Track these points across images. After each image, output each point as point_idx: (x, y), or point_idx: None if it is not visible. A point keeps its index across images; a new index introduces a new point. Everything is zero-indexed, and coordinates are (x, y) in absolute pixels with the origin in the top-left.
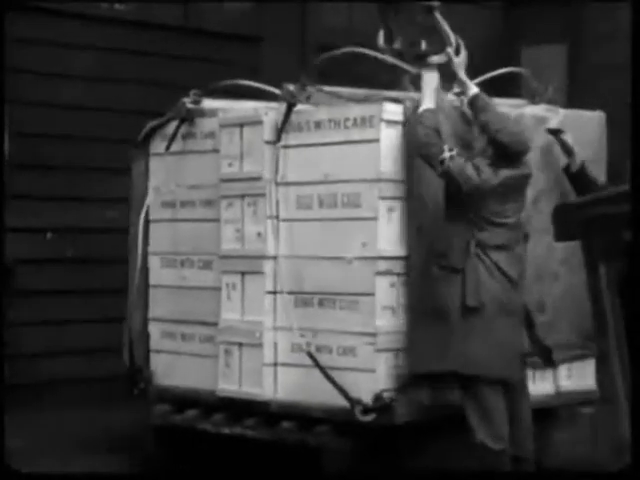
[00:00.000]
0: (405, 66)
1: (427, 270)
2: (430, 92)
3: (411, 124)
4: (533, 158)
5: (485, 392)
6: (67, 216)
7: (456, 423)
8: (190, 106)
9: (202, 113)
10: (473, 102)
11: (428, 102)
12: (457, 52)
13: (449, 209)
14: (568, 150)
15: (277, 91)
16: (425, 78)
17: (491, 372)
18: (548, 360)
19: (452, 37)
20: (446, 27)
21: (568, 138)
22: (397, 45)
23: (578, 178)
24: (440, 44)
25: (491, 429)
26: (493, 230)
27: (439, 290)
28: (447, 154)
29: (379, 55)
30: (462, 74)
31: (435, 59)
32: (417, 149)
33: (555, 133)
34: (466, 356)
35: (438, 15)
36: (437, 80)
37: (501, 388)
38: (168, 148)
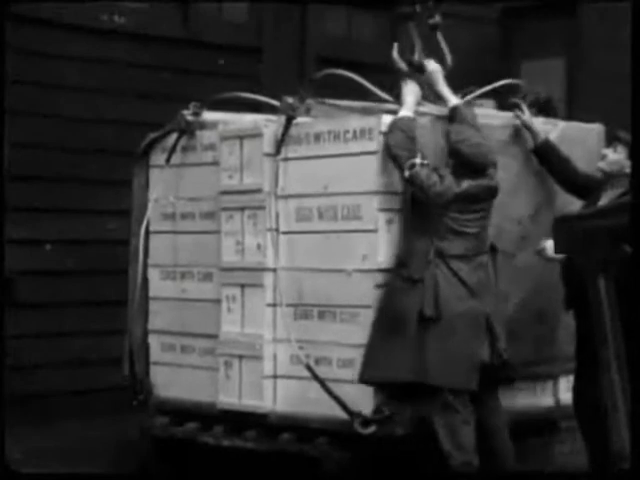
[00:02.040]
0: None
1: (390, 280)
2: (411, 101)
3: (389, 129)
4: (528, 169)
5: (450, 403)
6: (67, 228)
7: None
8: (190, 118)
9: (202, 125)
10: (451, 113)
11: (407, 110)
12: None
13: (412, 219)
14: (528, 127)
15: (277, 103)
16: (407, 87)
17: (447, 381)
18: (507, 376)
19: (448, 56)
20: (444, 44)
21: (526, 116)
22: (415, 57)
23: (544, 154)
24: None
25: (455, 440)
26: (453, 239)
27: (399, 300)
28: (418, 160)
29: (361, 80)
30: (440, 86)
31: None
32: (389, 150)
33: (513, 107)
34: (423, 366)
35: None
36: (418, 91)
37: (468, 401)
38: (168, 160)
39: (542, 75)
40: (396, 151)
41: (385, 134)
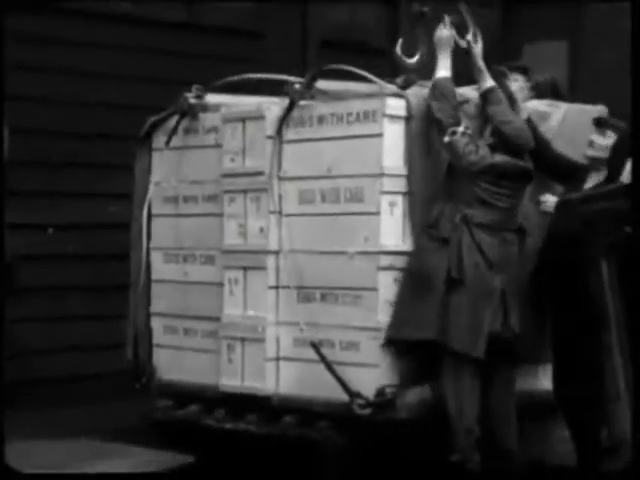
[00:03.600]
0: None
1: (417, 242)
2: (446, 60)
3: (431, 91)
4: None
5: (460, 368)
6: (68, 212)
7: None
8: (192, 101)
9: (204, 108)
10: (486, 95)
11: (444, 70)
12: (475, 41)
13: (446, 183)
14: (509, 95)
15: (286, 78)
16: (440, 46)
17: (454, 344)
18: (514, 353)
19: (472, 27)
20: (469, 17)
21: (509, 82)
22: (417, 56)
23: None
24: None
25: (459, 406)
26: (481, 209)
27: (427, 260)
28: (460, 129)
29: (368, 75)
30: (481, 63)
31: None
32: (432, 114)
33: (500, 75)
34: (445, 326)
35: (464, 5)
36: (450, 49)
37: (477, 372)
38: (168, 143)
39: (544, 57)
40: (439, 115)
41: (428, 97)
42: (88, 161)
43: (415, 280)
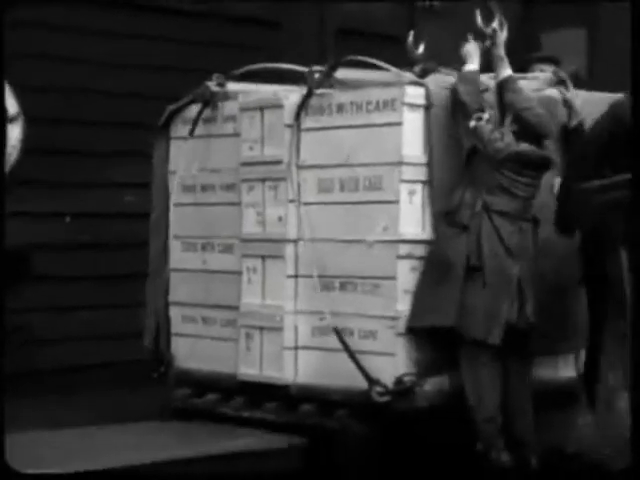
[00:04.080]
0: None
1: (437, 229)
2: (475, 55)
3: (458, 79)
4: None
5: (477, 356)
6: (84, 201)
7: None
8: (215, 89)
9: (225, 96)
10: (504, 83)
11: (472, 64)
12: (501, 29)
13: (467, 170)
14: (569, 104)
15: (302, 69)
16: (469, 45)
17: (469, 331)
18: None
19: (498, 15)
20: (495, 5)
21: (570, 92)
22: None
23: (573, 135)
24: None
25: (478, 395)
26: (502, 196)
27: (446, 247)
28: (486, 115)
29: (388, 67)
30: (502, 51)
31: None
32: (458, 97)
33: (560, 83)
34: (464, 313)
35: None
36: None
37: (495, 360)
38: (192, 133)
39: (563, 46)
40: (465, 98)
41: (455, 81)
42: (105, 150)
43: (435, 267)
